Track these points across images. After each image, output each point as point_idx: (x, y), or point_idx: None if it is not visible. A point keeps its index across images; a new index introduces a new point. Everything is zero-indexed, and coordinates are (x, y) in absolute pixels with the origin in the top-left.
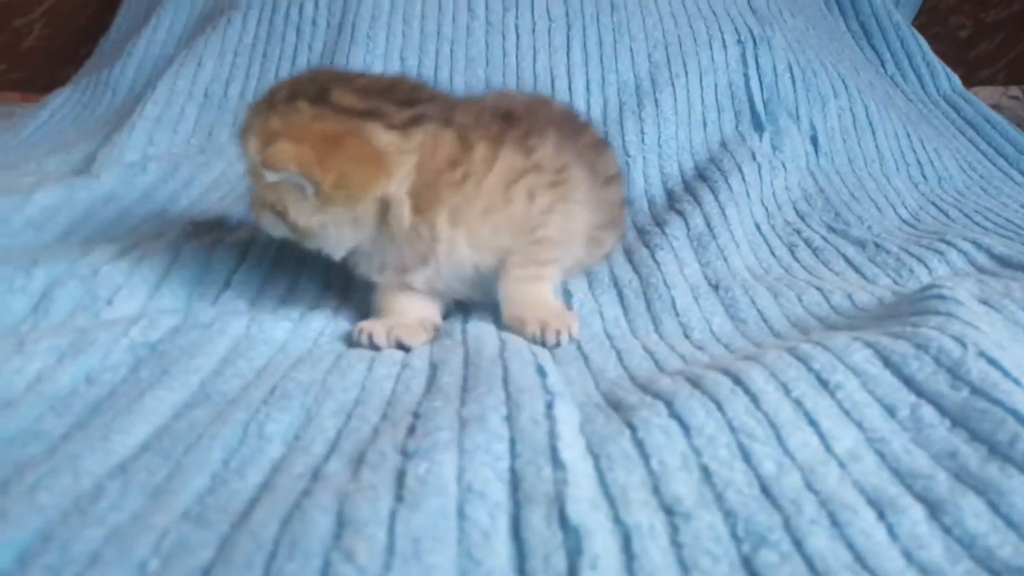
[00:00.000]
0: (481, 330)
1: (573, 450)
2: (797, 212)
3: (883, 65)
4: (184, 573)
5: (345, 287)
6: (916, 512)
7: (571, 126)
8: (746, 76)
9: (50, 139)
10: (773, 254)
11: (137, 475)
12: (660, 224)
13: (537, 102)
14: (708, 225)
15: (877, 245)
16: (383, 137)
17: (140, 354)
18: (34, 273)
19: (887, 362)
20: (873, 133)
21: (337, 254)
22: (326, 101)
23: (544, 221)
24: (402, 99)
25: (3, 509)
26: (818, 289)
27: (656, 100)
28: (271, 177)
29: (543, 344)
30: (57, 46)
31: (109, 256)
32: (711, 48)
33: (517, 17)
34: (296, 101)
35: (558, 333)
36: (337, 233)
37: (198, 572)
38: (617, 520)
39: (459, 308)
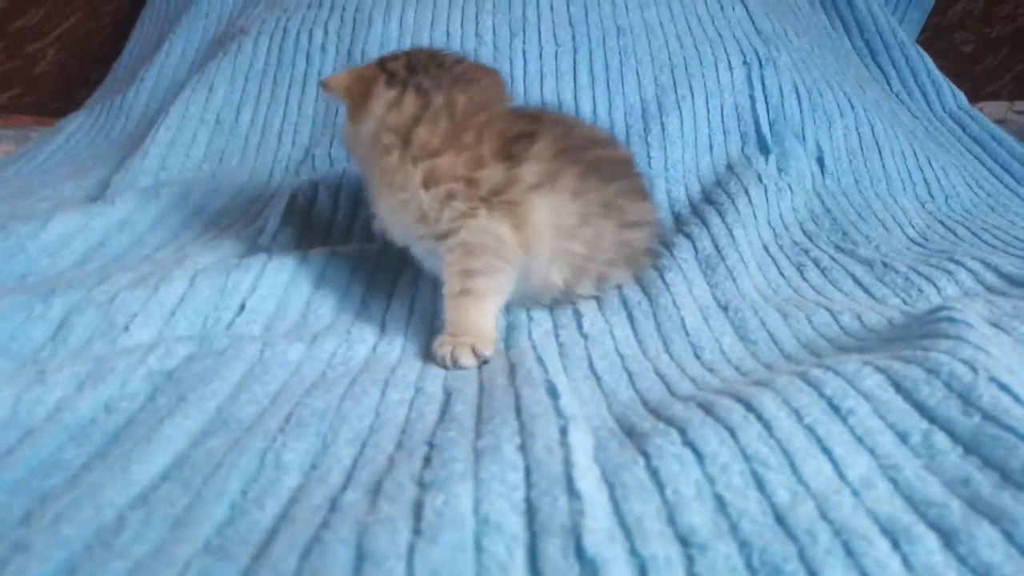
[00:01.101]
0: (494, 360)
1: (588, 479)
2: (805, 232)
3: (888, 83)
4: None
5: (359, 309)
6: (930, 541)
7: (608, 167)
8: (752, 97)
9: (65, 164)
10: (782, 274)
11: (158, 506)
12: (668, 246)
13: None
14: (716, 247)
15: (885, 265)
16: (381, 88)
17: (157, 382)
18: (52, 301)
19: (898, 387)
20: (879, 152)
21: (362, 170)
22: (382, 63)
23: (454, 228)
24: (416, 69)
25: (27, 542)
26: (827, 310)
27: (663, 124)
28: (325, 94)
29: (445, 367)
30: (70, 71)
31: (125, 283)
32: (717, 70)
33: (524, 42)
34: (375, 61)
35: (454, 358)
36: (358, 149)
37: None
38: (633, 552)
39: None
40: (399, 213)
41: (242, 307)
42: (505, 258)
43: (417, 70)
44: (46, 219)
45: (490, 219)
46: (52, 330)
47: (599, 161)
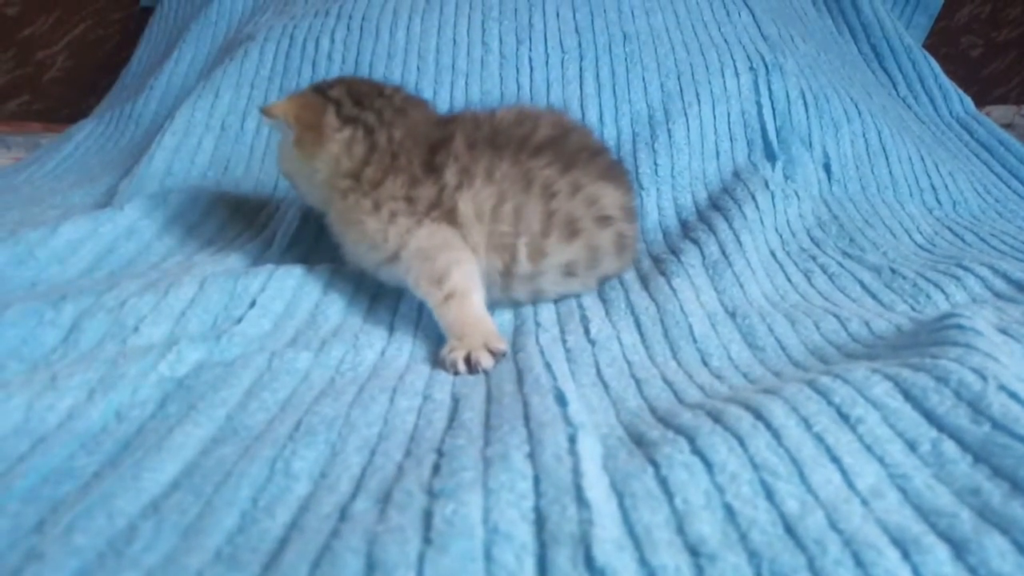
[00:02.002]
0: (501, 364)
1: (597, 488)
2: (812, 239)
3: (895, 88)
4: None
5: (367, 313)
6: (941, 552)
7: (535, 145)
8: (759, 104)
9: (74, 172)
10: (789, 281)
11: (169, 514)
12: (675, 252)
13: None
14: (723, 253)
15: (893, 271)
16: (331, 121)
17: (167, 389)
18: (63, 307)
19: (907, 395)
20: (887, 158)
21: (306, 200)
22: (322, 91)
23: (404, 242)
24: (362, 101)
25: (41, 551)
26: (835, 316)
27: (669, 131)
28: (266, 122)
29: (455, 373)
30: (79, 78)
31: (135, 289)
32: (723, 76)
33: (531, 50)
34: (310, 89)
35: (468, 362)
36: (303, 181)
37: None
38: (643, 561)
39: None
40: (358, 244)
41: (252, 303)
42: (460, 249)
43: (363, 103)
44: (56, 226)
45: (433, 225)
46: (63, 334)
47: (520, 140)
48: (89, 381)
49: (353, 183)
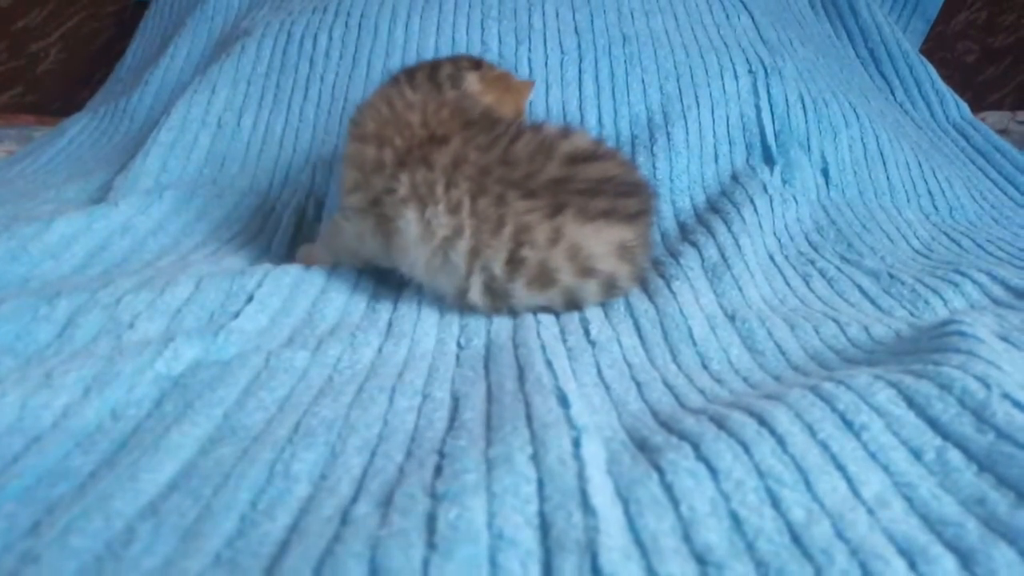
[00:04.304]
0: (502, 358)
1: (603, 494)
2: (810, 243)
3: (892, 93)
4: None
5: (365, 312)
6: (948, 562)
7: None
8: (758, 107)
9: (68, 166)
10: (788, 284)
11: (168, 516)
12: (674, 255)
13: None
14: (722, 256)
15: (891, 276)
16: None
17: (164, 387)
18: (57, 303)
19: (911, 403)
20: (884, 163)
21: None
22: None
23: (344, 214)
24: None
25: (37, 554)
26: (835, 321)
27: (668, 133)
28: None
29: None
30: (72, 70)
31: (130, 286)
32: (722, 79)
33: (530, 51)
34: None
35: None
36: None
37: None
38: (650, 570)
39: (479, 331)
40: (338, 184)
41: (250, 299)
42: (340, 259)
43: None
44: (49, 221)
45: (364, 224)
46: (58, 330)
47: (518, 180)
48: (84, 378)
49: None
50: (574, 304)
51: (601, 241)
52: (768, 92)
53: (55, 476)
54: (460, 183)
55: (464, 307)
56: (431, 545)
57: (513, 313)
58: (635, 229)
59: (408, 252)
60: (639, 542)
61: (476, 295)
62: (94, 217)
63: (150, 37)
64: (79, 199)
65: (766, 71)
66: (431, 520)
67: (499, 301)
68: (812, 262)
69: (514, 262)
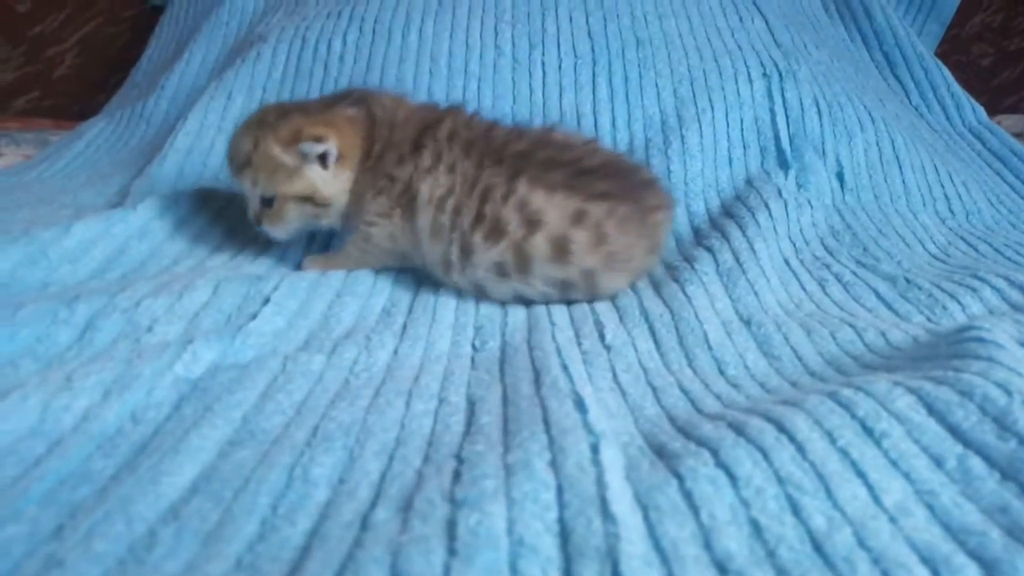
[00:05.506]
0: (517, 361)
1: (622, 501)
2: (825, 247)
3: (907, 96)
4: None
5: (380, 315)
6: (971, 572)
7: (510, 155)
8: (772, 111)
9: (86, 170)
10: (804, 289)
11: (189, 521)
12: (688, 260)
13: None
14: (737, 260)
15: (908, 281)
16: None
17: (183, 390)
18: (76, 307)
19: (931, 409)
20: (900, 167)
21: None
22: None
23: (371, 222)
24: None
25: (60, 558)
26: (851, 326)
27: (682, 136)
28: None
29: None
30: (89, 75)
31: (149, 290)
32: (736, 82)
33: (543, 54)
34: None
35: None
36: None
37: None
38: None
39: (494, 333)
40: (349, 207)
41: (266, 300)
42: (377, 263)
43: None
44: (68, 225)
45: (391, 225)
46: (77, 334)
47: (495, 148)
48: (104, 381)
49: (365, 159)
50: (524, 263)
51: (554, 205)
52: (783, 96)
53: (77, 479)
54: (455, 148)
55: (447, 275)
56: (452, 551)
57: (479, 290)
58: (600, 206)
59: (419, 223)
60: (659, 549)
61: (455, 254)
62: (112, 221)
63: (165, 42)
64: (96, 203)
65: (780, 74)
66: (451, 526)
67: (466, 259)
68: (828, 267)
69: (478, 218)
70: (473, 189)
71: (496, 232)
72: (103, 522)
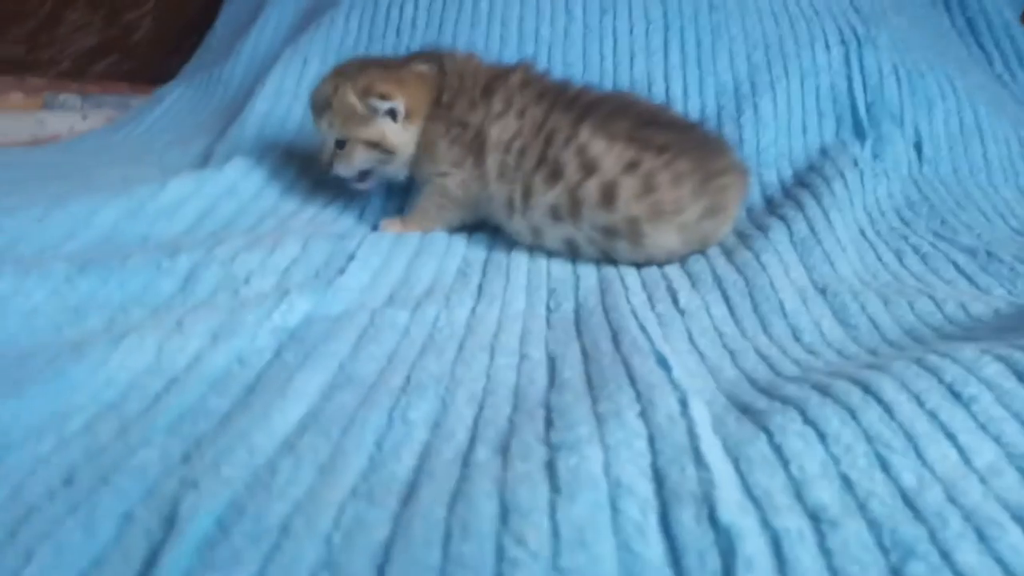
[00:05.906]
0: (592, 322)
1: (714, 452)
2: (901, 219)
3: (991, 65)
4: (365, 548)
5: (456, 275)
6: None
7: (582, 104)
8: (849, 79)
9: (168, 132)
10: (880, 260)
11: (305, 453)
12: (762, 229)
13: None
14: (812, 230)
15: (989, 254)
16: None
17: (282, 338)
18: (178, 258)
19: (1021, 377)
20: (981, 139)
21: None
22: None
23: (444, 172)
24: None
25: (194, 479)
26: (930, 297)
27: (755, 105)
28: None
29: None
30: (165, 39)
31: (243, 245)
32: (813, 49)
33: (615, 19)
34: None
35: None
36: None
37: (379, 548)
38: (765, 523)
39: (567, 295)
40: (423, 156)
41: (352, 257)
42: (449, 218)
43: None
44: (163, 183)
45: (461, 175)
46: (180, 283)
47: (567, 99)
48: (212, 327)
49: (434, 108)
50: (575, 207)
51: (612, 154)
52: (860, 63)
53: (195, 414)
54: (527, 94)
55: (509, 219)
56: (555, 488)
57: (536, 235)
58: (656, 158)
59: (487, 164)
60: (752, 497)
61: (517, 195)
62: (204, 179)
63: (239, 7)
64: (182, 164)
65: (859, 41)
66: (551, 467)
67: (526, 202)
68: (904, 238)
69: (541, 160)
70: (539, 132)
71: (555, 175)
72: (227, 452)
